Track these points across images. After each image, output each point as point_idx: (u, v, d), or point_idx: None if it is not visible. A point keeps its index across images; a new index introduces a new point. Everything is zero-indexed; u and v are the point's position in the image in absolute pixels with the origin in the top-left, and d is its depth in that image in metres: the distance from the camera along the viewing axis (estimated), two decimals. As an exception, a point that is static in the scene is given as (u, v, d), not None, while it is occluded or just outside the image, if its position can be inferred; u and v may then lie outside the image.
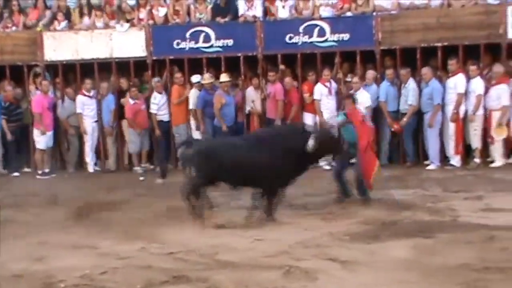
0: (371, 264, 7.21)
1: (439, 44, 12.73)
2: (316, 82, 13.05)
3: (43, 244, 8.49)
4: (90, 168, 13.85)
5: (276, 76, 13.20)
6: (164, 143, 13.68)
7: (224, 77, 13.12)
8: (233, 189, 9.42)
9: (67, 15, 14.32)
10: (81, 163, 14.06)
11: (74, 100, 13.85)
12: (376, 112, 12.91)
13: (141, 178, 12.97)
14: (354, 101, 10.03)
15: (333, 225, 8.80)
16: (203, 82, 13.34)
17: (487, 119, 12.37)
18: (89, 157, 13.88)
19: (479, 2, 12.68)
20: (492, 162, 12.39)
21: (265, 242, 8.20)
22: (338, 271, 6.99)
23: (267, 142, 9.19)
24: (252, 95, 13.47)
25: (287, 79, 13.25)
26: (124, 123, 13.75)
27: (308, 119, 13.09)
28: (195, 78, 13.39)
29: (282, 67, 13.43)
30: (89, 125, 13.74)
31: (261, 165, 8.94)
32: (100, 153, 14.05)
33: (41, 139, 13.62)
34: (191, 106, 13.41)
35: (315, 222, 9.03)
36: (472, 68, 12.29)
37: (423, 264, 7.14)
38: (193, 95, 13.40)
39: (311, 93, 13.07)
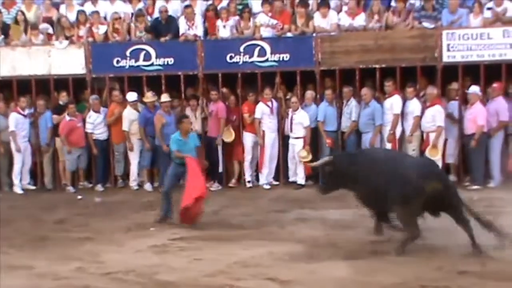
0: (311, 284, 7.25)
1: (377, 66, 12.95)
2: (256, 102, 13.10)
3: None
4: (18, 189, 13.42)
5: (218, 95, 13.22)
6: (101, 162, 13.52)
7: (164, 98, 13.06)
8: None
9: (4, 31, 14.05)
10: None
11: (5, 116, 13.53)
12: (315, 132, 13.02)
13: (79, 197, 12.76)
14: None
15: (273, 245, 8.80)
16: (145, 100, 13.25)
17: (423, 140, 12.60)
18: (17, 178, 13.46)
19: (416, 26, 12.95)
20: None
21: (204, 262, 8.17)
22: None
23: None
24: (190, 116, 13.42)
25: (232, 98, 13.31)
26: (59, 140, 13.50)
27: (249, 138, 13.14)
28: (131, 96, 13.24)
29: (224, 90, 13.45)
30: (21, 144, 13.43)
31: None
32: (36, 172, 13.74)
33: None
34: (124, 127, 13.23)
35: (254, 242, 9.03)
36: (409, 90, 12.55)
37: (361, 283, 7.21)
38: (127, 115, 13.22)
39: (251, 113, 13.11)
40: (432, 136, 12.38)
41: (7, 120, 13.43)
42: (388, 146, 12.58)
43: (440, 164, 12.16)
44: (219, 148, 13.24)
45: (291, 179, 13.06)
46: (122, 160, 13.47)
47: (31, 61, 13.71)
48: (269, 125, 13.09)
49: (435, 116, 12.35)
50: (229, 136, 13.20)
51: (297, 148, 12.81)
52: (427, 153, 12.24)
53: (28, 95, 13.64)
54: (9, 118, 13.40)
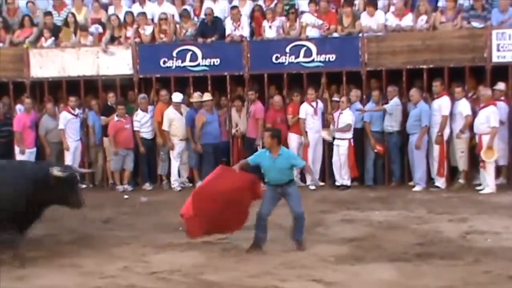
0: (356, 286, 7.21)
1: (425, 66, 12.80)
2: (302, 103, 13.07)
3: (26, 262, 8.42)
4: None
5: (255, 95, 13.22)
6: (147, 161, 13.65)
7: (205, 96, 13.15)
8: None
9: (54, 32, 14.29)
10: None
11: (53, 117, 13.74)
12: (361, 132, 12.94)
13: (126, 197, 12.90)
14: None
15: (318, 246, 8.77)
16: (192, 100, 13.36)
17: (475, 142, 12.35)
18: None
19: (464, 26, 12.77)
20: (479, 184, 12.35)
21: (249, 262, 8.17)
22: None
23: None
24: (235, 117, 13.50)
25: (277, 99, 13.23)
26: (106, 140, 13.68)
27: (294, 139, 13.11)
28: (177, 96, 13.34)
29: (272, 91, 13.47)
30: (71, 143, 13.64)
31: None
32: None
33: (21, 158, 13.50)
34: (164, 127, 13.30)
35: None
36: (458, 90, 12.35)
37: (407, 286, 7.14)
38: (168, 115, 13.28)
39: (295, 115, 13.07)
40: (485, 138, 12.09)
41: (55, 121, 13.67)
42: (436, 148, 12.43)
43: (493, 166, 12.02)
44: (259, 150, 13.17)
45: (338, 183, 12.94)
46: (166, 160, 13.56)
47: (79, 62, 13.92)
48: (312, 125, 13.03)
49: (489, 117, 11.99)
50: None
51: (342, 149, 12.72)
52: (482, 155, 11.98)
53: (76, 96, 13.84)
54: (60, 117, 13.62)
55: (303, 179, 13.17)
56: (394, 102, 12.72)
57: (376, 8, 13.27)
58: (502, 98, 12.51)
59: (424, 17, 12.99)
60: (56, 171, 8.55)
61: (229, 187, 8.70)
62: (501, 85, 12.50)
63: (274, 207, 8.78)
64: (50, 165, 9.03)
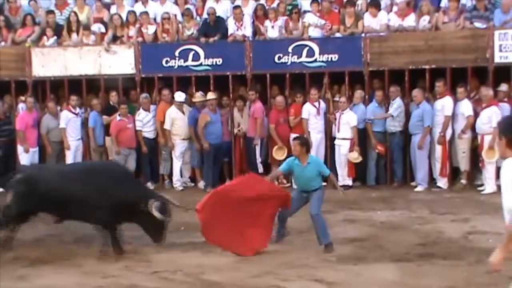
0: (357, 286, 7.20)
1: (427, 67, 12.79)
2: (304, 103, 13.05)
3: (21, 260, 8.40)
4: None
5: (256, 95, 13.21)
6: (149, 161, 13.65)
7: (210, 95, 13.16)
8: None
9: (56, 31, 14.29)
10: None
11: (55, 116, 13.73)
12: (363, 132, 12.93)
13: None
14: None
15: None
16: (194, 100, 13.35)
17: (476, 142, 12.34)
18: None
19: (467, 26, 12.76)
20: (481, 185, 12.34)
21: (251, 262, 8.17)
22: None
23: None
24: (237, 117, 13.49)
25: (279, 99, 13.21)
26: (108, 140, 13.67)
27: (295, 139, 13.08)
28: (179, 96, 13.32)
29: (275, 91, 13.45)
30: (72, 142, 13.63)
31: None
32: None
33: (25, 156, 13.54)
34: (166, 126, 13.28)
35: (301, 242, 9.00)
36: (460, 90, 12.33)
37: (409, 286, 7.13)
38: (169, 114, 13.25)
39: (297, 116, 13.04)
40: (487, 138, 12.06)
41: (57, 120, 13.66)
42: (438, 148, 12.42)
43: (495, 166, 11.98)
44: (257, 149, 13.22)
45: (340, 183, 12.91)
46: (168, 159, 13.55)
47: (82, 61, 13.92)
48: (315, 125, 13.02)
49: (491, 117, 11.96)
50: (281, 155, 12.85)
51: (343, 149, 12.73)
52: (484, 155, 11.98)
53: (78, 95, 13.84)
54: (61, 116, 13.62)
55: None
56: (397, 105, 12.70)
57: (378, 8, 13.26)
58: (506, 99, 12.49)
59: (426, 17, 12.97)
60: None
61: (253, 196, 8.49)
62: (504, 87, 12.49)
63: (298, 209, 8.85)
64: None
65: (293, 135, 13.03)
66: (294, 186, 9.68)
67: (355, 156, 12.69)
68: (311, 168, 8.66)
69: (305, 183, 8.71)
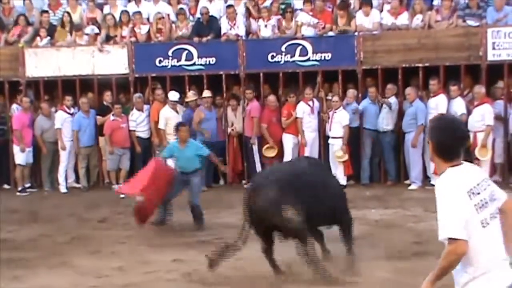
0: (352, 284, 7.21)
1: (420, 65, 12.81)
2: (297, 103, 13.05)
3: (18, 261, 8.39)
4: (62, 188, 13.57)
5: (253, 94, 13.21)
6: (143, 160, 13.62)
7: (205, 93, 13.16)
8: None
9: (50, 32, 14.25)
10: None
11: (49, 117, 13.68)
12: (357, 131, 12.94)
13: (122, 196, 12.85)
14: None
15: (315, 244, 8.75)
16: (187, 100, 13.33)
17: (469, 143, 12.37)
18: (62, 177, 13.62)
19: (460, 24, 12.78)
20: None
21: (248, 261, 8.13)
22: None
23: None
24: (231, 116, 13.48)
25: (272, 99, 13.21)
26: (102, 140, 13.64)
27: (289, 139, 13.08)
28: (173, 95, 13.28)
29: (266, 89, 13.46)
30: (67, 142, 13.59)
31: None
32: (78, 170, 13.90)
33: (20, 155, 13.51)
34: (160, 125, 13.23)
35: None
36: (453, 88, 12.36)
37: (403, 284, 7.14)
38: (163, 114, 13.21)
39: (289, 117, 13.03)
40: (479, 136, 12.11)
41: (51, 121, 13.61)
42: (431, 146, 12.43)
43: (488, 164, 12.01)
44: (254, 148, 13.22)
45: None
46: (163, 159, 13.52)
47: (75, 61, 13.89)
48: (309, 124, 13.02)
49: (484, 115, 12.02)
50: (271, 152, 13.01)
51: (336, 148, 12.74)
52: (477, 153, 12.00)
53: (72, 95, 13.79)
54: (55, 116, 13.58)
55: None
56: (394, 102, 12.74)
57: (371, 7, 13.27)
58: (502, 96, 12.52)
59: (419, 16, 13.00)
60: None
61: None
62: (500, 84, 12.54)
63: (179, 192, 10.21)
64: None
65: (285, 135, 13.09)
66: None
67: (339, 155, 12.68)
68: (190, 149, 10.04)
69: (184, 163, 9.98)
